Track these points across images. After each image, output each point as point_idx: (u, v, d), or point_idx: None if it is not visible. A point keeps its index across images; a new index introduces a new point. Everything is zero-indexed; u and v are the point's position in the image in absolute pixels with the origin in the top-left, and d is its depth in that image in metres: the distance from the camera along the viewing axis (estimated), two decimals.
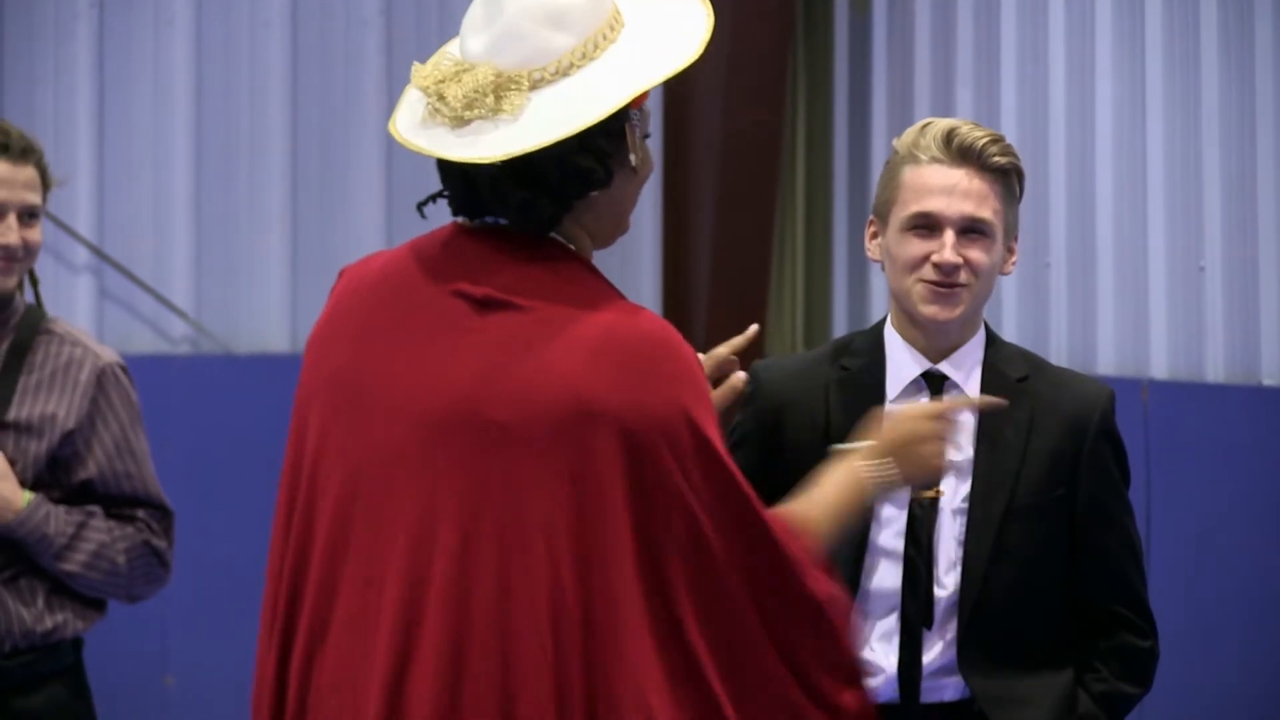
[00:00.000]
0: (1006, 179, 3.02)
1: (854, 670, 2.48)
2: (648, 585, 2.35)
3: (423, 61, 2.47)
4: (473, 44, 2.42)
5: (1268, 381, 5.39)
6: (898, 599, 2.98)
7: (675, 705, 2.35)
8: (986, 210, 2.99)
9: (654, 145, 7.30)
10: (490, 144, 2.36)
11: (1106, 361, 5.93)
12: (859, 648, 2.51)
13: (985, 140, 2.99)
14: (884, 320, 3.11)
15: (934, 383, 3.04)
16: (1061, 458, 3.02)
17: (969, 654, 2.97)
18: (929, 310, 2.99)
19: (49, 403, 3.45)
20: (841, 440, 3.00)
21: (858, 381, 3.05)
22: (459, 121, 2.39)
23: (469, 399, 2.36)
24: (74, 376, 3.48)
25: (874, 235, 3.08)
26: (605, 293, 2.44)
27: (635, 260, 7.31)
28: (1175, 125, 5.70)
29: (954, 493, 3.00)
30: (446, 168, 2.45)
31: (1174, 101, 5.71)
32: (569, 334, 2.36)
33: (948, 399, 2.88)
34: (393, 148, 6.64)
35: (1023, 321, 6.26)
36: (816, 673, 2.44)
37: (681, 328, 8.15)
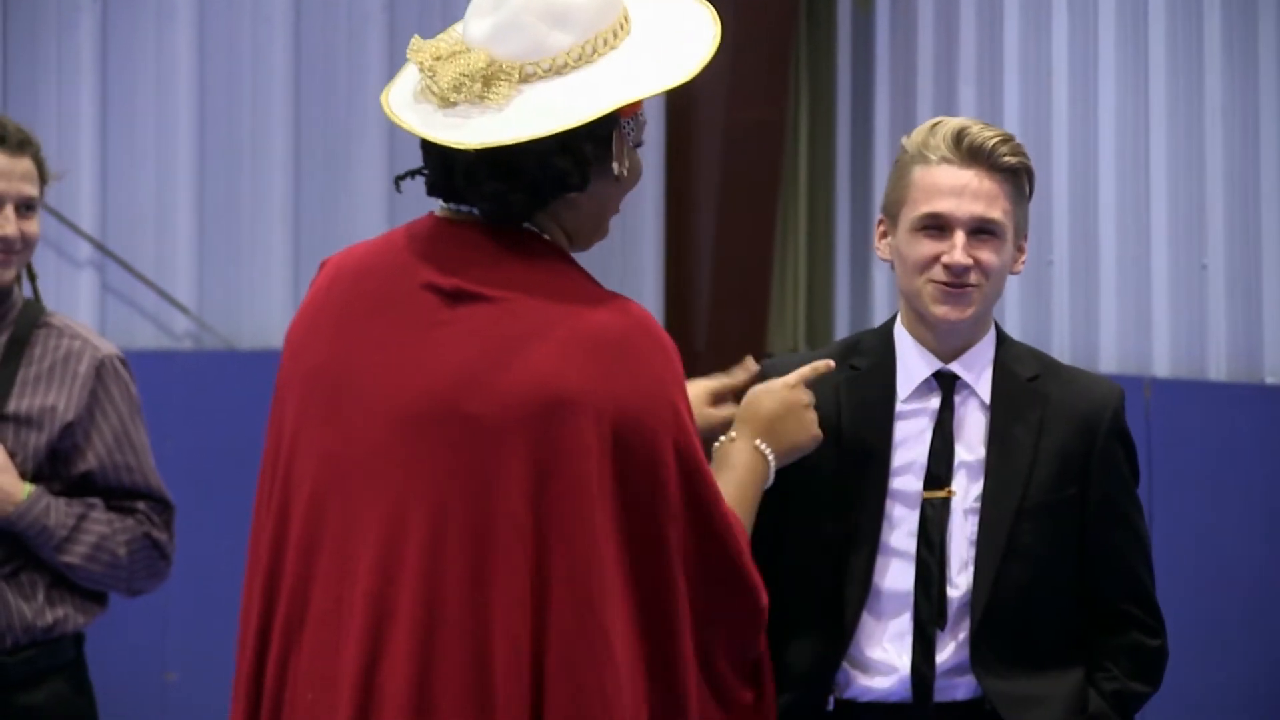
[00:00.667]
0: (1016, 179, 3.01)
1: (761, 669, 2.52)
2: (627, 578, 2.36)
3: None
4: (475, 28, 2.42)
5: (1270, 379, 5.39)
6: (910, 599, 2.97)
7: (644, 697, 2.37)
8: (997, 211, 2.98)
9: (656, 141, 7.32)
10: (470, 130, 2.36)
11: (1109, 359, 5.93)
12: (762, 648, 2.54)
13: (996, 140, 2.98)
14: (892, 320, 3.11)
15: (945, 383, 3.04)
16: (1073, 457, 3.02)
17: (982, 653, 2.97)
18: (940, 311, 2.98)
19: (48, 395, 3.45)
20: (854, 441, 3.01)
21: (868, 382, 3.05)
22: (445, 102, 2.39)
23: (442, 393, 2.36)
24: (73, 369, 3.47)
25: (883, 235, 3.07)
26: (579, 282, 2.43)
27: (637, 257, 7.31)
28: (1178, 123, 5.70)
29: (966, 492, 3.00)
30: (428, 147, 2.45)
31: (1177, 100, 5.71)
32: (540, 325, 2.36)
33: (803, 370, 2.88)
34: (395, 143, 6.64)
35: (1025, 319, 6.26)
36: (723, 665, 2.46)
37: (684, 324, 8.11)
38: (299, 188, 6.73)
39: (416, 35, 2.46)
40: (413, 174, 2.50)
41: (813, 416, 2.82)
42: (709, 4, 2.52)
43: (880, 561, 2.99)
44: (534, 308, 2.37)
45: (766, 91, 7.15)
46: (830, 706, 3.02)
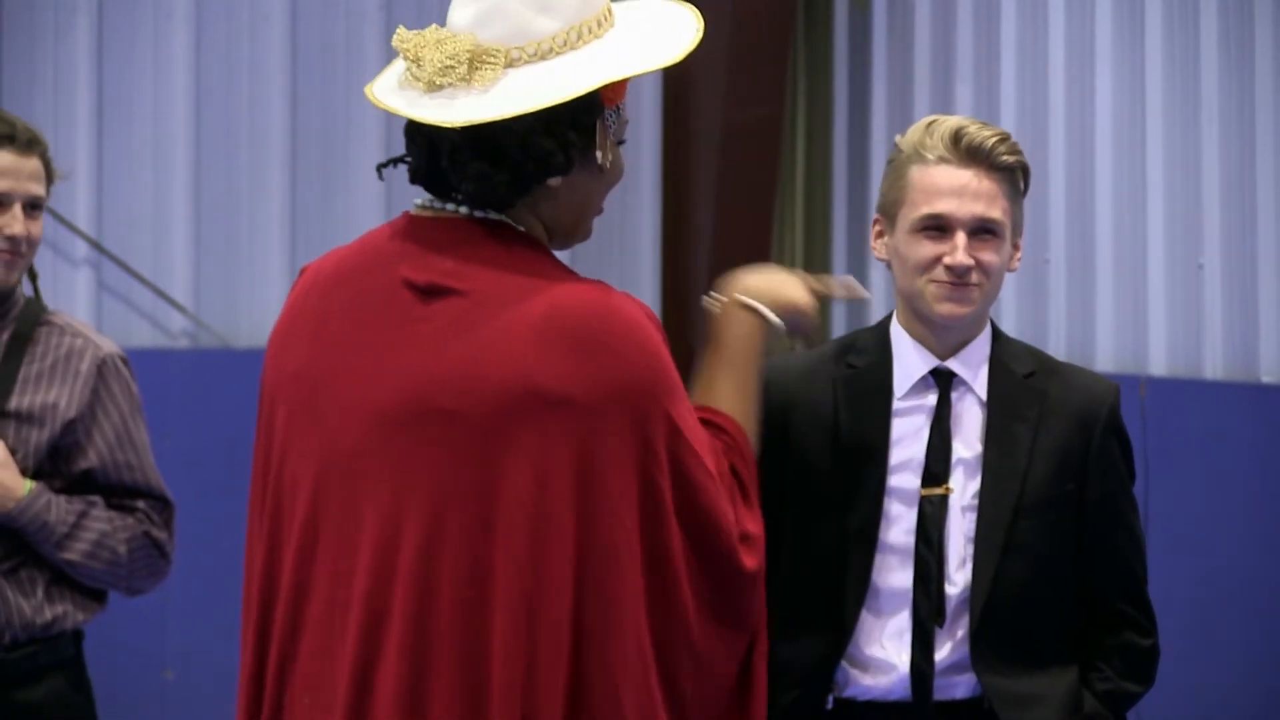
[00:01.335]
0: (1013, 177, 3.01)
1: (753, 667, 2.50)
2: (640, 569, 2.37)
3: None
4: (459, 15, 2.44)
5: (1266, 379, 5.39)
6: (909, 596, 2.97)
7: (656, 686, 2.39)
8: (996, 210, 2.98)
9: (654, 140, 7.32)
10: (455, 110, 2.38)
11: (1105, 358, 5.93)
12: (761, 628, 2.53)
13: (994, 139, 2.98)
14: (888, 318, 3.11)
15: (942, 380, 3.04)
16: (1070, 453, 3.02)
17: (982, 650, 2.97)
18: (944, 308, 2.98)
19: (50, 392, 3.45)
20: (851, 439, 3.01)
21: (865, 379, 3.05)
22: (431, 86, 2.41)
23: (418, 390, 2.37)
24: (74, 366, 3.48)
25: (879, 234, 3.07)
26: (553, 270, 2.43)
27: (635, 254, 7.31)
28: (1175, 123, 5.70)
29: (963, 489, 3.00)
30: (412, 133, 2.46)
31: (1173, 99, 5.71)
32: (513, 315, 2.36)
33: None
34: (392, 142, 6.64)
35: (1022, 318, 6.27)
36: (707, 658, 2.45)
37: (682, 323, 8.10)
38: (296, 187, 6.73)
39: (401, 26, 2.48)
40: (395, 162, 2.52)
41: (806, 291, 2.72)
42: (692, 4, 2.55)
43: (879, 559, 2.99)
44: (511, 299, 2.37)
45: (764, 90, 7.14)
46: (830, 705, 3.02)
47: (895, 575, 2.99)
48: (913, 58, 6.91)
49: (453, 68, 2.39)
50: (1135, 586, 3.07)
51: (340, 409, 2.41)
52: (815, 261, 7.40)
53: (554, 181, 2.43)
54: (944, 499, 2.99)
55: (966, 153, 2.98)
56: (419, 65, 2.42)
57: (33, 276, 3.62)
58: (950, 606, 2.98)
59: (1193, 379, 5.61)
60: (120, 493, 3.52)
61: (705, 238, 7.22)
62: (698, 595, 2.42)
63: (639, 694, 2.37)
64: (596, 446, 2.34)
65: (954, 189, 2.97)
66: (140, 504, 3.53)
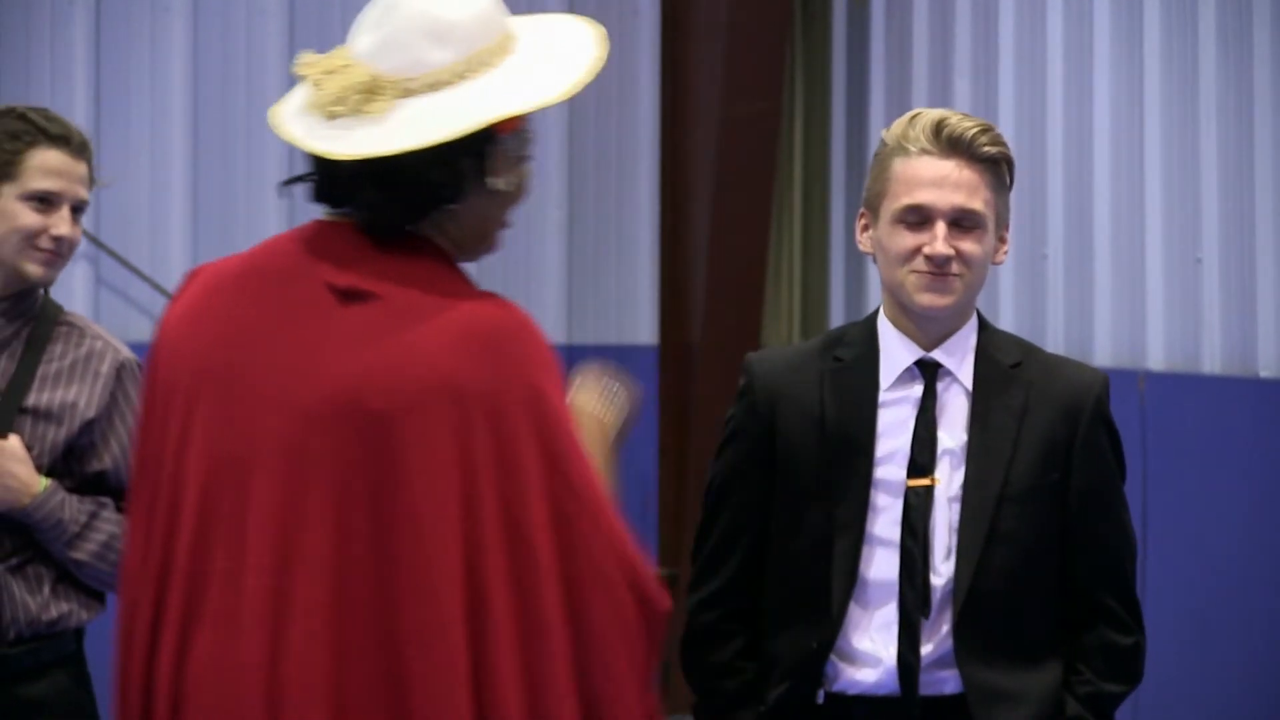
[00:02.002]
0: (996, 168, 3.01)
1: (647, 668, 2.52)
2: (504, 564, 2.42)
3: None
4: (361, 43, 2.53)
5: (1264, 373, 5.39)
6: (895, 589, 2.97)
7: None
8: (977, 201, 2.98)
9: (650, 135, 7.31)
10: (349, 142, 2.45)
11: (1103, 353, 5.93)
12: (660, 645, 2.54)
13: (975, 130, 2.98)
14: (877, 311, 3.11)
15: (928, 371, 3.04)
16: (1056, 442, 3.01)
17: (966, 641, 2.96)
18: (924, 299, 2.99)
19: (69, 391, 3.46)
20: (838, 431, 3.01)
21: (852, 372, 3.05)
22: (330, 115, 2.48)
23: (344, 390, 2.41)
24: (94, 368, 3.49)
25: (865, 228, 3.09)
26: (461, 283, 2.51)
27: (632, 249, 7.31)
28: (1173, 117, 5.70)
29: (949, 480, 3.00)
30: (313, 156, 2.52)
31: (1171, 94, 5.71)
32: (434, 322, 2.43)
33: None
34: None
35: (1020, 312, 6.27)
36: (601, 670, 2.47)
37: (679, 318, 8.07)
38: None
39: (309, 51, 2.56)
40: (299, 179, 2.57)
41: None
42: (598, 28, 2.59)
43: (866, 551, 2.99)
44: (424, 305, 2.44)
45: (761, 84, 7.14)
46: (821, 700, 3.02)
47: (882, 567, 2.98)
48: (910, 51, 6.91)
49: (349, 98, 2.47)
50: (1120, 581, 3.05)
51: (256, 404, 2.45)
52: (813, 254, 7.40)
53: (453, 206, 2.49)
54: (929, 490, 2.99)
55: (947, 143, 2.98)
56: (319, 91, 2.50)
57: None
58: (936, 599, 2.97)
59: (1191, 374, 5.61)
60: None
61: (702, 232, 7.22)
62: (586, 567, 2.46)
63: (547, 666, 2.41)
64: (503, 451, 2.40)
65: (935, 179, 2.97)
66: None
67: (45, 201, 3.45)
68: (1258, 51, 5.41)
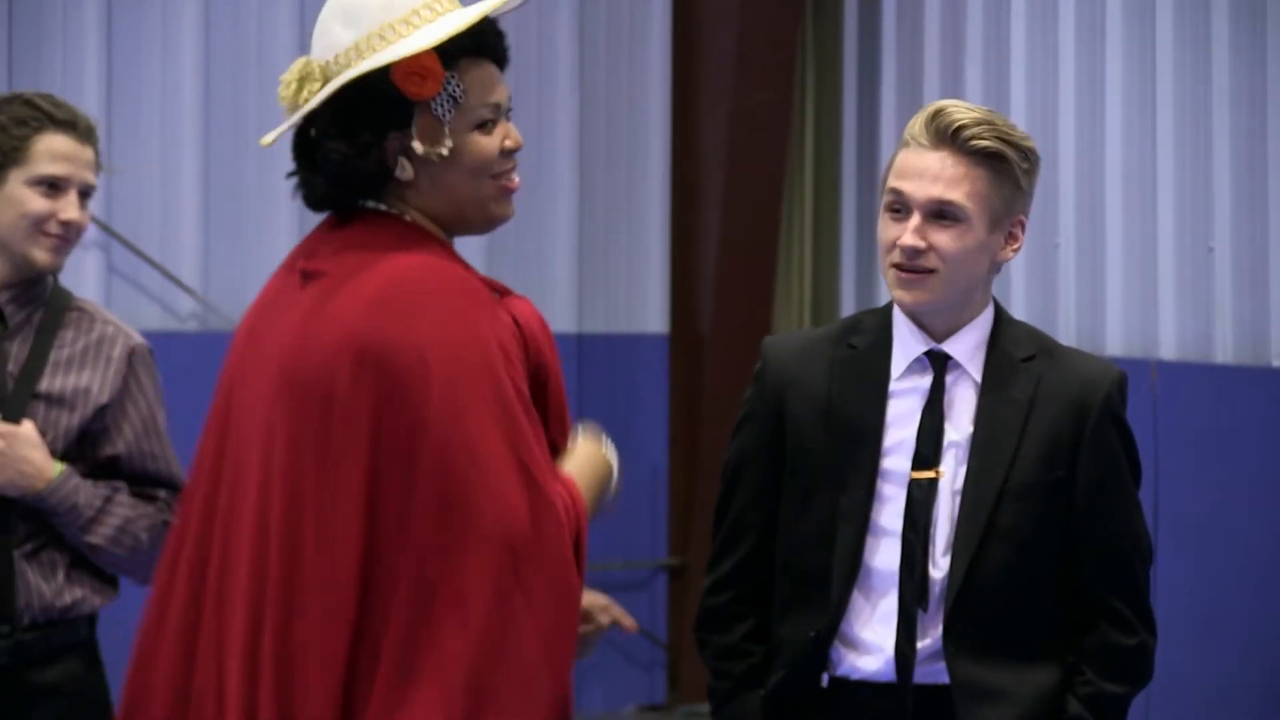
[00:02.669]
0: (994, 162, 2.94)
1: (568, 638, 2.58)
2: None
3: None
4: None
5: (1277, 363, 5.39)
6: (896, 579, 2.97)
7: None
8: (956, 193, 2.91)
9: (661, 124, 7.31)
10: (275, 130, 2.61)
11: (1115, 342, 5.93)
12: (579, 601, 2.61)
13: (966, 122, 2.92)
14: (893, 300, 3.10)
15: (937, 362, 3.02)
16: (1062, 438, 2.97)
17: (956, 634, 2.94)
18: (898, 294, 2.97)
19: (81, 376, 3.47)
20: (846, 420, 3.00)
21: (863, 360, 3.03)
22: (290, 108, 2.60)
23: (282, 367, 2.54)
24: (106, 353, 3.50)
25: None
26: (411, 247, 2.56)
27: (643, 238, 7.30)
28: (1185, 106, 5.69)
29: (954, 473, 2.98)
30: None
31: (1184, 83, 5.70)
32: (355, 287, 2.52)
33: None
34: None
35: (1031, 302, 6.26)
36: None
37: (689, 308, 8.05)
38: None
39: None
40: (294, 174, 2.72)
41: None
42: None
43: (870, 541, 2.98)
44: (357, 274, 2.53)
45: (772, 74, 7.13)
46: (825, 684, 3.02)
47: (885, 557, 2.97)
48: (922, 41, 6.90)
49: (287, 90, 2.58)
50: (1127, 582, 2.99)
51: (237, 389, 2.63)
52: (824, 243, 7.39)
53: (403, 174, 2.55)
54: (933, 483, 2.96)
55: (936, 135, 2.93)
56: (281, 88, 2.62)
57: None
58: (935, 591, 2.96)
59: (1203, 362, 5.60)
60: (143, 481, 3.53)
61: (713, 222, 7.22)
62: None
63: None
64: (419, 404, 2.46)
65: (918, 170, 2.93)
66: (161, 493, 3.55)
67: (53, 186, 3.47)
68: (1270, 41, 5.40)
